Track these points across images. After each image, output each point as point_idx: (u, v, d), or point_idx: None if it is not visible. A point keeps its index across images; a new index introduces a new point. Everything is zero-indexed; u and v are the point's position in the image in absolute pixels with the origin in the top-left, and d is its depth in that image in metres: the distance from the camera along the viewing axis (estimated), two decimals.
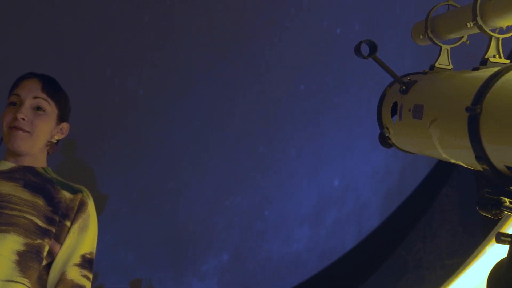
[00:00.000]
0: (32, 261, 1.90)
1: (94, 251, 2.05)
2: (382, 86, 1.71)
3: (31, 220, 1.93)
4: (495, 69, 1.28)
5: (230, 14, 5.33)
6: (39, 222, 1.94)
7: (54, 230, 1.95)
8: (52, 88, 2.06)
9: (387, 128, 1.70)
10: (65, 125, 2.10)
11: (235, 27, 5.34)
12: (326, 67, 5.61)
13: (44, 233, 1.93)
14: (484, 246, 4.05)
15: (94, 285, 4.79)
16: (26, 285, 1.89)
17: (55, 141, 2.09)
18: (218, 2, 5.27)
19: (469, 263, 4.21)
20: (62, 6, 4.88)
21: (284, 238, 5.73)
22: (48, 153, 2.09)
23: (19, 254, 1.89)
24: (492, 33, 1.43)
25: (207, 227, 5.53)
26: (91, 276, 2.02)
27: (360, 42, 1.58)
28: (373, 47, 1.59)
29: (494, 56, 1.44)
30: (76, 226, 2.00)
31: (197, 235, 5.49)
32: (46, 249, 1.93)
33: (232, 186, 5.61)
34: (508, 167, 1.18)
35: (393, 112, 1.66)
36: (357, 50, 1.58)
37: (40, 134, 2.01)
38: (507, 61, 1.43)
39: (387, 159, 5.66)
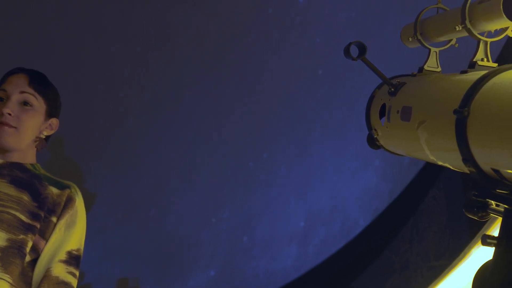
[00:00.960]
0: (14, 256, 1.88)
1: (82, 248, 2.03)
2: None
3: (14, 216, 1.91)
4: (483, 72, 1.29)
5: (221, 29, 5.27)
6: (23, 218, 1.92)
7: (38, 226, 1.93)
8: (39, 83, 2.04)
9: (375, 129, 1.70)
10: (54, 121, 2.08)
11: (225, 42, 5.29)
12: (317, 84, 5.57)
13: (27, 228, 1.91)
14: (471, 248, 4.07)
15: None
16: (7, 281, 1.86)
17: (44, 137, 2.07)
18: (208, 18, 5.23)
19: (456, 265, 4.23)
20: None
21: (271, 256, 5.67)
22: (36, 149, 2.07)
23: (1, 249, 1.87)
24: (480, 37, 1.44)
25: (194, 242, 5.45)
26: (77, 273, 1.99)
27: (350, 44, 1.58)
28: (362, 49, 1.59)
29: (482, 60, 1.45)
30: (62, 222, 1.98)
31: (184, 250, 5.42)
32: (30, 244, 1.91)
33: (220, 201, 5.53)
34: (494, 170, 1.19)
35: (382, 113, 1.66)
36: (346, 52, 1.59)
37: (27, 130, 2.00)
38: (495, 65, 1.44)
39: (377, 179, 5.62)
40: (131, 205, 5.24)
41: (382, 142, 1.70)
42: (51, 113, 2.06)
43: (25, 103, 2.00)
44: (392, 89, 1.61)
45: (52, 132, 2.09)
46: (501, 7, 1.31)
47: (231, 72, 5.36)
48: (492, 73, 1.25)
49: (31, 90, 2.01)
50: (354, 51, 1.59)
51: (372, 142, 1.73)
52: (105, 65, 5.02)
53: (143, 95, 5.22)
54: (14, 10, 4.71)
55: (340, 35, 5.18)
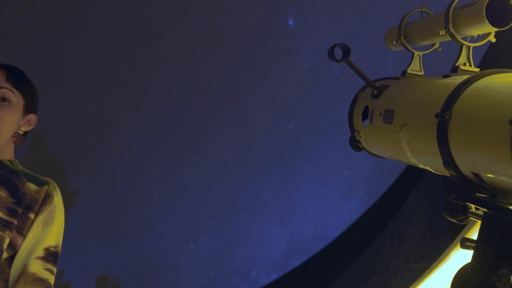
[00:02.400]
0: None
1: (60, 244, 2.01)
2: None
3: None
4: (465, 76, 1.30)
5: (210, 53, 5.24)
6: (0, 214, 1.90)
7: (16, 222, 1.91)
8: (17, 78, 2.02)
9: (357, 131, 1.71)
10: (32, 117, 2.06)
11: (213, 65, 5.25)
12: (303, 110, 5.55)
13: (5, 225, 1.89)
14: (450, 250, 4.10)
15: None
16: None
17: (22, 133, 2.06)
18: (199, 38, 5.19)
19: (435, 267, 4.26)
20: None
21: (251, 283, 5.60)
22: (15, 145, 2.06)
23: None
24: (463, 41, 1.45)
25: (173, 264, 5.39)
26: (55, 270, 1.98)
27: (334, 46, 1.59)
28: (346, 51, 1.60)
29: (464, 64, 1.46)
30: (40, 219, 1.96)
31: (163, 273, 5.36)
32: (7, 241, 1.89)
33: (202, 225, 5.48)
34: (474, 174, 1.19)
35: (365, 116, 1.67)
36: (331, 54, 1.59)
37: (5, 126, 1.98)
38: (477, 70, 1.45)
39: (360, 209, 5.60)
40: (111, 224, 5.17)
41: (364, 144, 1.71)
42: (29, 108, 2.05)
43: (3, 99, 1.98)
44: (375, 92, 1.62)
45: (30, 128, 2.07)
46: (484, 13, 1.32)
47: (217, 96, 5.32)
48: (474, 78, 1.26)
49: (9, 86, 1.99)
50: (338, 53, 1.59)
51: (355, 144, 1.73)
52: (92, 80, 4.97)
53: (129, 114, 5.16)
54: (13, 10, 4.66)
55: (328, 61, 5.17)
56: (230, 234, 5.56)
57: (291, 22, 5.33)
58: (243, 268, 5.56)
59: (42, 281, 1.93)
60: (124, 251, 5.20)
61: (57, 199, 2.01)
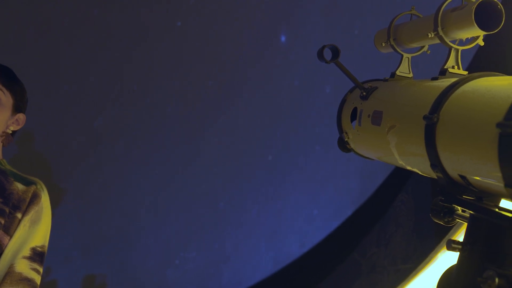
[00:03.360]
0: None
1: (46, 244, 2.01)
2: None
3: None
4: (454, 79, 1.31)
5: (204, 68, 5.20)
6: None
7: (3, 222, 1.90)
8: (6, 77, 2.01)
9: (346, 133, 1.72)
10: (21, 116, 2.05)
11: (203, 81, 5.21)
12: (293, 127, 5.52)
13: None
14: (437, 252, 4.12)
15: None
16: None
17: (11, 132, 2.04)
18: (190, 55, 5.15)
19: (422, 268, 4.28)
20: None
21: None
22: (3, 144, 2.04)
23: None
24: (452, 44, 1.46)
25: (159, 280, 5.31)
26: (41, 270, 1.97)
27: (323, 47, 1.59)
28: (335, 52, 1.60)
29: (453, 67, 1.47)
30: (27, 218, 1.95)
31: None
32: None
33: (188, 240, 5.40)
34: (461, 176, 1.20)
35: (353, 117, 1.68)
36: (320, 55, 1.59)
37: None
38: (465, 72, 1.46)
39: (346, 213, 5.57)
40: (97, 237, 5.11)
41: (352, 145, 1.71)
42: (18, 108, 2.04)
43: None
44: (364, 93, 1.62)
45: (18, 127, 2.06)
46: (473, 16, 1.33)
47: (206, 111, 5.28)
48: (462, 81, 1.26)
49: None
50: (327, 54, 1.60)
51: (343, 145, 1.74)
52: (80, 94, 4.94)
53: (117, 128, 5.12)
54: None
55: (319, 78, 5.15)
56: (217, 250, 5.49)
57: (283, 38, 5.31)
58: (230, 284, 5.50)
59: (29, 280, 1.92)
60: (109, 265, 5.14)
61: (44, 199, 2.00)
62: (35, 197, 1.97)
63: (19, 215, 1.94)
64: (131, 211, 5.19)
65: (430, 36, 1.47)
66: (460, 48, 1.47)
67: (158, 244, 5.30)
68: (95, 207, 5.07)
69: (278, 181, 5.54)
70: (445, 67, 1.46)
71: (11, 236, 1.92)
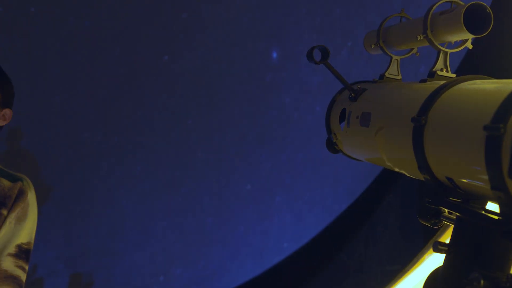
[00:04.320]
0: None
1: (32, 241, 1.99)
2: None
3: None
4: (442, 82, 1.31)
5: (193, 84, 5.16)
6: None
7: None
8: None
9: (334, 134, 1.72)
10: (7, 111, 2.04)
11: (192, 98, 5.17)
12: (282, 146, 5.48)
13: None
14: (424, 254, 4.14)
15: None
16: None
17: None
18: (178, 74, 5.11)
19: (409, 270, 4.30)
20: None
21: None
22: None
23: None
24: (441, 47, 1.46)
25: None
26: (27, 268, 1.96)
27: (313, 48, 1.59)
28: (325, 53, 1.61)
29: (441, 70, 1.47)
30: (13, 215, 1.93)
31: None
32: None
33: (175, 256, 5.35)
34: (448, 178, 1.21)
35: (342, 118, 1.68)
36: (309, 56, 1.60)
37: None
38: (454, 75, 1.46)
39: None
40: (82, 251, 5.07)
41: (340, 146, 1.72)
42: (4, 103, 2.02)
43: None
44: (353, 95, 1.63)
45: (5, 122, 2.05)
46: (462, 19, 1.33)
47: (195, 127, 5.24)
48: (451, 84, 1.27)
49: None
50: (317, 55, 1.60)
51: (331, 146, 1.74)
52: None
53: (105, 140, 5.08)
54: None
55: (310, 97, 5.12)
56: (203, 268, 5.43)
57: (274, 55, 5.28)
58: None
59: (14, 278, 1.90)
60: (94, 280, 5.09)
61: (31, 196, 1.99)
62: (21, 194, 1.96)
63: (4, 212, 1.93)
64: (117, 226, 5.13)
65: (419, 38, 1.47)
66: (449, 51, 1.47)
67: (143, 260, 5.24)
68: (81, 221, 5.02)
69: (266, 200, 5.50)
70: (434, 69, 1.47)
71: None
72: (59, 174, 4.95)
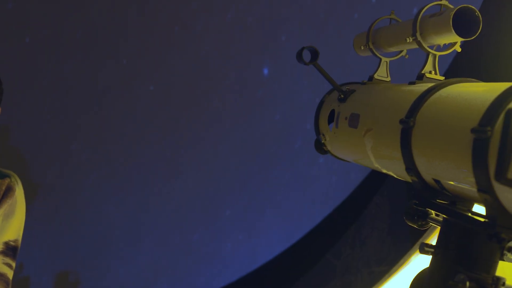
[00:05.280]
0: None
1: (20, 239, 1.98)
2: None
3: None
4: (430, 84, 1.32)
5: (183, 98, 5.13)
6: None
7: None
8: None
9: (323, 134, 1.72)
10: None
11: (181, 112, 5.14)
12: (272, 163, 5.45)
13: None
14: (410, 255, 4.16)
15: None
16: None
17: None
18: (169, 85, 5.08)
19: (396, 271, 4.31)
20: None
21: None
22: None
23: None
24: (430, 50, 1.47)
25: None
26: (14, 265, 1.94)
27: (302, 48, 1.60)
28: (315, 54, 1.61)
29: (430, 72, 1.48)
30: (0, 212, 1.92)
31: None
32: None
33: (160, 272, 5.29)
34: (436, 180, 1.21)
35: (331, 119, 1.68)
36: (299, 56, 1.60)
37: None
38: (442, 78, 1.47)
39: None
40: (67, 263, 5.02)
41: (329, 147, 1.72)
42: None
43: None
44: (342, 96, 1.63)
45: None
46: (451, 22, 1.34)
47: (184, 141, 5.20)
48: (439, 86, 1.28)
49: None
50: (306, 55, 1.60)
51: (320, 147, 1.74)
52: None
53: (93, 152, 5.03)
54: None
55: (300, 114, 5.11)
56: (189, 284, 5.37)
57: (266, 71, 5.25)
58: None
59: (1, 275, 1.89)
60: None
61: (19, 193, 1.97)
62: (8, 190, 1.94)
63: None
64: (103, 240, 5.08)
65: (408, 41, 1.48)
66: (438, 53, 1.48)
67: (129, 275, 5.18)
68: (68, 234, 4.97)
69: (254, 218, 5.48)
70: (423, 72, 1.48)
71: None
72: (47, 187, 4.91)
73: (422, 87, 1.33)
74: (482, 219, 1.12)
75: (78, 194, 4.98)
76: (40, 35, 4.69)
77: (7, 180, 1.96)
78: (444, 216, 1.25)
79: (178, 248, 5.32)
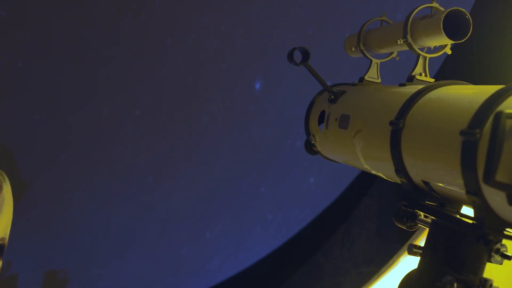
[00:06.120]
0: None
1: (7, 237, 1.97)
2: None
3: None
4: (420, 86, 1.33)
5: (173, 112, 5.11)
6: None
7: None
8: None
9: (313, 135, 1.72)
10: None
11: (173, 129, 5.12)
12: (262, 179, 5.44)
13: None
14: (399, 256, 4.17)
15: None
16: None
17: None
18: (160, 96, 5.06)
19: (384, 271, 4.32)
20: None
21: None
22: None
23: None
24: (420, 52, 1.48)
25: None
26: (0, 263, 1.93)
27: (293, 49, 1.59)
28: (306, 55, 1.61)
29: (420, 74, 1.49)
30: None
31: None
32: None
33: (148, 286, 5.25)
34: (424, 182, 1.22)
35: (321, 120, 1.68)
36: (290, 57, 1.60)
37: None
38: (432, 80, 1.48)
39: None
40: (54, 276, 4.98)
41: (319, 148, 1.72)
42: None
43: None
44: (332, 97, 1.63)
45: None
46: (441, 25, 1.34)
47: (173, 156, 5.18)
48: (429, 88, 1.28)
49: None
50: (297, 56, 1.60)
51: (309, 147, 1.74)
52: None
53: (83, 163, 5.00)
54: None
55: (290, 129, 5.09)
56: None
57: (258, 85, 5.23)
58: None
59: None
60: None
61: (6, 190, 1.96)
62: None
63: None
64: (90, 253, 5.05)
65: (399, 42, 1.48)
66: (428, 55, 1.49)
67: (117, 287, 5.17)
68: (55, 245, 4.94)
69: (242, 233, 5.47)
70: (413, 74, 1.48)
71: None
72: (36, 197, 4.88)
73: (412, 89, 1.34)
74: (470, 221, 1.13)
75: (68, 208, 4.96)
76: (31, 55, 4.66)
77: None
78: (433, 217, 1.26)
79: (165, 263, 5.30)
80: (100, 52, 4.73)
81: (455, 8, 1.36)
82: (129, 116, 4.96)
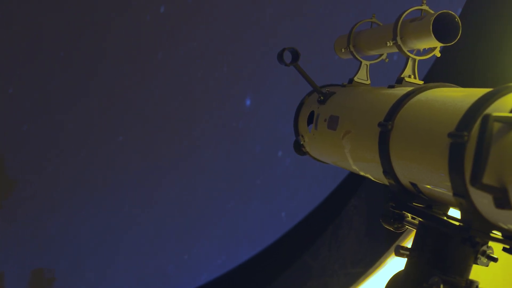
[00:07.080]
0: None
1: None
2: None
3: None
4: (409, 88, 1.33)
5: (164, 125, 5.09)
6: None
7: None
8: None
9: (302, 136, 1.73)
10: None
11: (162, 136, 5.11)
12: (250, 194, 5.42)
13: None
14: (387, 257, 4.18)
15: None
16: None
17: None
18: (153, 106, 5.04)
19: (372, 272, 4.34)
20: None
21: None
22: None
23: None
24: (409, 54, 1.48)
25: None
26: None
27: (283, 49, 1.59)
28: (295, 55, 1.61)
29: (409, 76, 1.49)
30: None
31: None
32: None
33: None
34: (412, 184, 1.22)
35: (310, 121, 1.69)
36: (280, 57, 1.60)
37: None
38: (421, 82, 1.48)
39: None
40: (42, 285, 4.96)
41: (308, 148, 1.72)
42: None
43: None
44: (322, 98, 1.63)
45: None
46: (431, 27, 1.35)
47: (163, 169, 5.15)
48: (418, 90, 1.29)
49: None
50: (287, 57, 1.60)
51: (298, 148, 1.75)
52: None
53: (72, 180, 4.98)
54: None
55: (280, 146, 5.08)
56: None
57: (248, 102, 5.22)
58: None
59: None
60: None
61: None
62: None
63: None
64: (76, 267, 5.02)
65: (388, 44, 1.49)
66: (417, 58, 1.49)
67: None
68: (39, 259, 4.91)
69: (231, 249, 5.45)
70: (402, 75, 1.49)
71: None
72: (26, 205, 4.85)
73: (401, 91, 1.34)
74: (457, 223, 1.13)
75: (60, 219, 4.93)
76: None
77: None
78: (420, 219, 1.26)
79: (153, 279, 5.27)
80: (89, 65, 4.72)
81: (445, 11, 1.36)
82: (114, 137, 4.94)
